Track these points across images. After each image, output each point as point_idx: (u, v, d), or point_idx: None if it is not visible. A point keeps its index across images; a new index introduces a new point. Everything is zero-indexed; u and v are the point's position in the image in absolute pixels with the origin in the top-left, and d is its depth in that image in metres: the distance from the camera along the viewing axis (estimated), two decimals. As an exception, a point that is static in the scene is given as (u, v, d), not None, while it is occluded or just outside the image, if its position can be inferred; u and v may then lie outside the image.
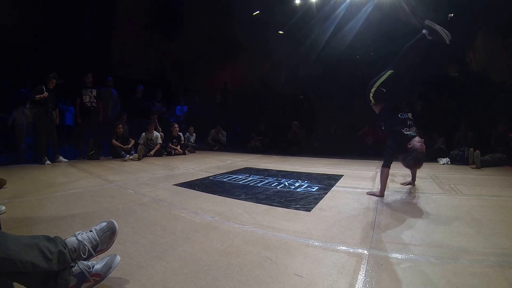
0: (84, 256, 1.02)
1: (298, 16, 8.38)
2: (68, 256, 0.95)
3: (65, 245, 0.97)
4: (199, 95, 9.74)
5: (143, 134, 5.68)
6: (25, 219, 1.79)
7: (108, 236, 1.09)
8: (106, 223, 1.12)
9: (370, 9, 7.28)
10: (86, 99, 5.20)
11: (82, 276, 0.96)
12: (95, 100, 5.28)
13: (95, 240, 1.06)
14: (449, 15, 7.28)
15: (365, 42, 7.73)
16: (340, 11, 7.61)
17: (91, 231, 1.08)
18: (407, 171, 3.79)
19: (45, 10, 7.74)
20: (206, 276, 1.11)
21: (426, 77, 7.44)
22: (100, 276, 1.00)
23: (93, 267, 0.99)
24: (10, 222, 1.68)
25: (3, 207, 1.90)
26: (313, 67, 9.07)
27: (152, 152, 5.57)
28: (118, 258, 1.07)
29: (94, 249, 1.05)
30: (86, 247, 1.02)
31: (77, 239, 1.02)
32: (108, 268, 1.02)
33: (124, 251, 1.32)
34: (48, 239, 0.94)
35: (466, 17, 6.78)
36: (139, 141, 5.55)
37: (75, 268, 0.96)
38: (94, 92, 5.29)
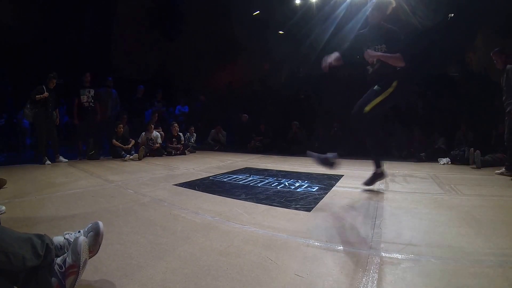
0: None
1: (298, 16, 8.38)
2: (53, 251, 0.96)
3: (52, 241, 0.98)
4: (199, 95, 9.74)
5: (143, 134, 5.68)
6: (25, 219, 1.79)
7: (92, 236, 1.08)
8: (91, 224, 1.12)
9: (370, 9, 7.28)
10: (84, 99, 5.21)
11: (60, 275, 0.95)
12: (92, 100, 5.28)
13: None
14: (449, 15, 7.29)
15: (365, 42, 7.72)
16: (340, 11, 7.61)
17: (79, 231, 1.11)
18: (408, 171, 3.80)
19: (45, 10, 7.74)
20: (206, 276, 1.11)
21: (426, 77, 7.44)
22: (75, 266, 0.97)
23: (63, 262, 0.97)
24: (10, 222, 1.68)
25: (3, 207, 1.90)
26: (313, 67, 9.06)
27: (154, 146, 5.55)
28: (81, 238, 1.02)
29: None
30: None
31: (64, 238, 1.05)
32: (76, 255, 0.98)
33: (124, 251, 1.32)
34: (38, 236, 0.95)
35: (466, 17, 6.79)
36: (138, 141, 5.55)
37: (53, 268, 0.95)
38: (92, 92, 5.30)
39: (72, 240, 1.03)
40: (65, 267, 0.96)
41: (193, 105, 8.68)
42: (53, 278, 0.93)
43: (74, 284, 0.97)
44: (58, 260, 0.98)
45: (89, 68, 5.78)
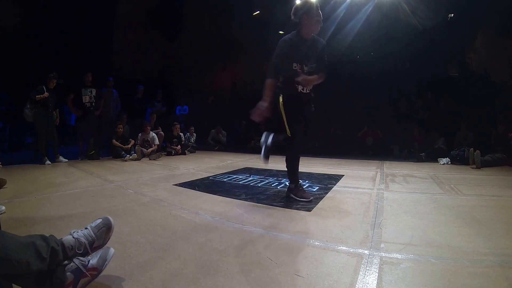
0: (79, 252, 1.02)
1: (298, 16, 8.36)
2: (60, 253, 0.95)
3: (58, 243, 0.98)
4: (199, 95, 9.74)
5: (139, 135, 5.65)
6: (25, 219, 1.79)
7: (104, 232, 1.11)
8: (101, 219, 1.13)
9: (370, 9, 7.28)
10: (86, 99, 5.19)
11: (79, 272, 0.96)
12: (94, 100, 5.27)
13: (91, 236, 1.07)
14: (449, 15, 7.29)
15: (365, 42, 7.73)
16: (340, 11, 7.60)
17: (86, 228, 1.10)
18: (408, 171, 3.80)
19: (46, 10, 7.74)
20: (206, 276, 1.11)
21: (426, 77, 7.44)
22: (97, 270, 1.01)
23: (88, 262, 1.00)
24: (10, 222, 1.68)
25: (3, 207, 1.90)
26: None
27: (148, 151, 5.42)
28: (112, 250, 1.08)
29: (90, 246, 1.06)
30: (82, 244, 1.03)
31: (73, 237, 1.04)
32: (103, 260, 1.03)
33: (124, 251, 1.32)
34: (43, 238, 0.94)
35: (466, 17, 6.79)
36: (136, 142, 5.53)
37: (71, 264, 0.96)
38: (94, 91, 5.28)
39: (82, 240, 1.04)
40: (87, 266, 0.98)
41: (192, 105, 8.69)
42: (68, 273, 0.94)
43: (85, 286, 0.99)
44: (82, 258, 1.00)
45: (90, 68, 5.78)
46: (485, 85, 6.43)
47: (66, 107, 6.36)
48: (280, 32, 9.72)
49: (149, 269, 1.16)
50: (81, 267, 0.97)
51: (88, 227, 1.10)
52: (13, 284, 0.91)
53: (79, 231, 1.07)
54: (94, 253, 1.06)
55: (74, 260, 0.98)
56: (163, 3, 10.07)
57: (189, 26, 10.34)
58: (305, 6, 2.10)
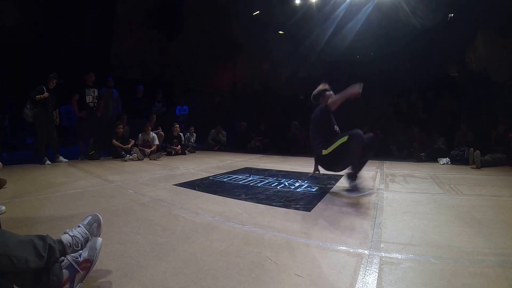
0: (77, 249, 1.05)
1: (298, 16, 8.38)
2: (57, 251, 0.96)
3: (55, 241, 0.99)
4: (199, 95, 9.74)
5: (140, 135, 5.65)
6: (25, 219, 1.79)
7: (96, 227, 1.16)
8: (91, 216, 1.19)
9: (370, 9, 7.29)
10: (90, 99, 5.19)
11: (72, 268, 0.97)
12: (96, 101, 5.28)
13: (85, 233, 1.12)
14: (449, 15, 7.29)
15: (365, 42, 7.74)
16: (340, 11, 7.61)
17: (79, 226, 1.13)
18: (408, 171, 3.81)
19: (46, 10, 7.75)
20: (206, 276, 1.11)
21: (426, 77, 7.45)
22: (89, 261, 1.02)
23: (80, 255, 1.02)
24: (10, 222, 1.69)
25: (3, 207, 1.90)
26: (313, 67, 9.07)
27: (148, 151, 5.43)
28: (100, 239, 1.11)
29: (85, 242, 1.10)
30: (80, 240, 1.07)
31: (70, 235, 1.07)
32: (93, 250, 1.05)
33: (124, 251, 1.32)
34: (40, 237, 0.95)
35: (466, 17, 6.79)
36: (137, 142, 5.53)
37: (65, 261, 0.97)
38: (96, 92, 5.28)
39: (79, 237, 1.08)
40: (80, 259, 1.00)
41: (192, 105, 8.70)
42: (64, 270, 0.95)
43: (82, 281, 1.00)
44: (74, 254, 1.01)
45: (90, 68, 5.77)
46: (485, 85, 6.43)
47: (63, 108, 6.35)
48: (280, 32, 9.75)
49: (149, 269, 1.16)
50: (73, 263, 0.98)
51: (81, 225, 1.14)
52: (14, 286, 0.91)
53: (74, 229, 1.11)
54: (85, 246, 1.08)
55: (67, 256, 0.99)
56: (163, 3, 10.07)
57: (189, 25, 10.34)
58: (321, 92, 2.92)
